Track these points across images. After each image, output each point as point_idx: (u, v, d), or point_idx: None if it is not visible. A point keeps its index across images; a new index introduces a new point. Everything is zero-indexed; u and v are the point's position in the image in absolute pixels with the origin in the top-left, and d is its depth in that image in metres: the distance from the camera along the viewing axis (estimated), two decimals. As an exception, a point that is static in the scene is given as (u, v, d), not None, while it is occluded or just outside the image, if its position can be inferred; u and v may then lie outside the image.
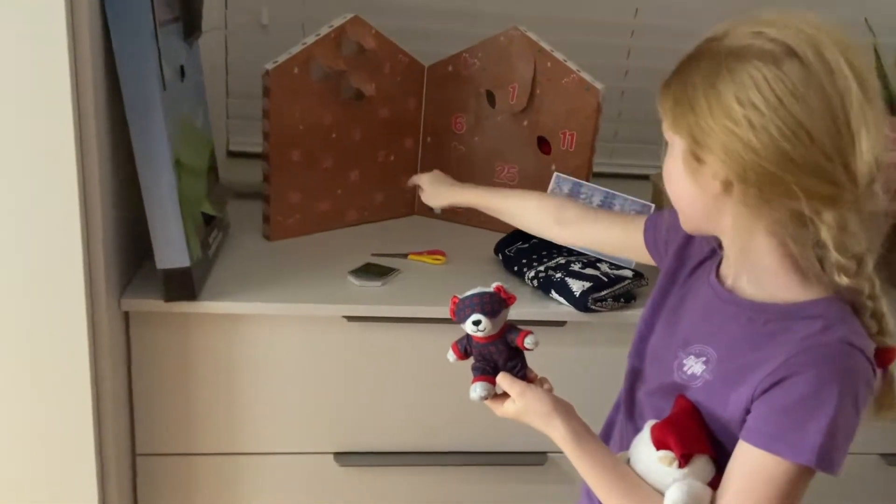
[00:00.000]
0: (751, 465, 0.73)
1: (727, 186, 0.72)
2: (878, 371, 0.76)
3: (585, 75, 1.47)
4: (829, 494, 1.15)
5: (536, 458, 1.42)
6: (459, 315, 0.86)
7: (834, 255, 0.72)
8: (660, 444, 0.77)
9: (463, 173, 1.62)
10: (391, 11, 1.64)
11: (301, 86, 1.40)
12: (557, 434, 0.83)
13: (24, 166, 1.00)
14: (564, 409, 0.85)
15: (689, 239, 0.90)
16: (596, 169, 1.55)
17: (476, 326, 0.84)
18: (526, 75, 1.50)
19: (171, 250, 1.15)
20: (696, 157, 0.73)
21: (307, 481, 1.39)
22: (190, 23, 1.27)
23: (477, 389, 0.86)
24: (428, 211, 1.66)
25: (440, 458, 1.41)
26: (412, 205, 1.68)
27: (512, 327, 0.88)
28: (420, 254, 1.46)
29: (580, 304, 1.27)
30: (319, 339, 1.29)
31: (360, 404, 1.36)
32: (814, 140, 0.67)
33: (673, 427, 0.77)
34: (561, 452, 0.85)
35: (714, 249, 0.86)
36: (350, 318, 1.28)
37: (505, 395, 0.87)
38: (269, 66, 1.36)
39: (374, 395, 1.35)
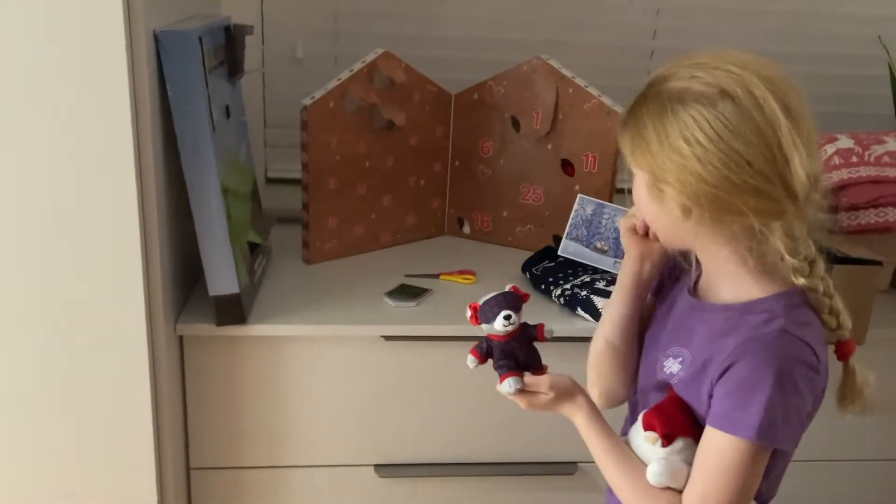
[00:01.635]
0: (708, 445, 0.83)
1: (686, 210, 0.82)
2: (843, 364, 0.90)
3: (606, 100, 1.54)
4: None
5: (567, 467, 1.48)
6: (486, 316, 0.93)
7: (788, 259, 0.82)
8: (647, 427, 0.88)
9: (489, 195, 1.70)
10: (419, 42, 1.73)
11: (336, 118, 1.49)
12: (581, 412, 0.94)
13: (90, 199, 1.10)
14: (581, 389, 0.96)
15: (672, 257, 1.00)
16: (619, 185, 1.62)
17: (507, 321, 0.92)
18: (549, 101, 1.58)
19: (222, 278, 1.24)
20: (657, 187, 0.83)
21: (349, 492, 1.47)
22: (233, 65, 1.36)
23: (511, 384, 0.92)
24: (458, 231, 1.74)
25: (474, 468, 1.48)
26: (442, 225, 1.76)
27: (525, 324, 0.96)
28: (451, 274, 1.54)
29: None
30: (359, 357, 1.38)
31: (398, 418, 1.43)
32: (752, 166, 0.77)
33: (658, 412, 0.88)
34: (591, 462, 0.93)
35: (692, 263, 0.96)
36: (387, 338, 1.35)
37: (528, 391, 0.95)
38: (307, 101, 1.45)
39: (411, 409, 1.43)
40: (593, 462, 0.93)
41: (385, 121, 1.56)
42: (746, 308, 0.85)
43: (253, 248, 1.40)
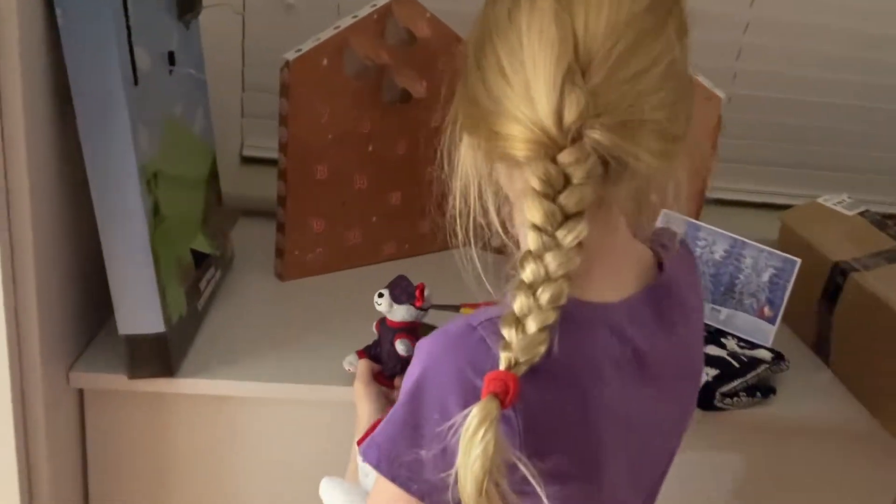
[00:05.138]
0: None
1: None
2: None
3: (704, 80, 1.11)
4: None
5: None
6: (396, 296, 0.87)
7: None
8: None
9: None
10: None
11: (331, 82, 1.07)
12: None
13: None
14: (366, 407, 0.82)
15: None
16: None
17: (377, 298, 0.86)
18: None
19: (139, 311, 0.83)
20: None
21: None
22: (184, -5, 0.94)
23: (347, 357, 0.91)
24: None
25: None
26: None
27: (408, 330, 0.86)
28: (473, 306, 1.12)
29: (704, 399, 0.92)
30: (339, 426, 0.96)
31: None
32: None
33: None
34: None
35: None
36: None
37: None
38: (290, 55, 1.03)
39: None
40: None
41: (398, 90, 1.14)
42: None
43: (201, 258, 0.98)
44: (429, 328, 1.04)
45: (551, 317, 0.52)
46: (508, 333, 0.52)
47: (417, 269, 1.23)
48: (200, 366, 0.90)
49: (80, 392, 0.90)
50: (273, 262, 1.15)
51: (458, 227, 0.62)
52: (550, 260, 0.51)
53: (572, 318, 0.54)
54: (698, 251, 1.05)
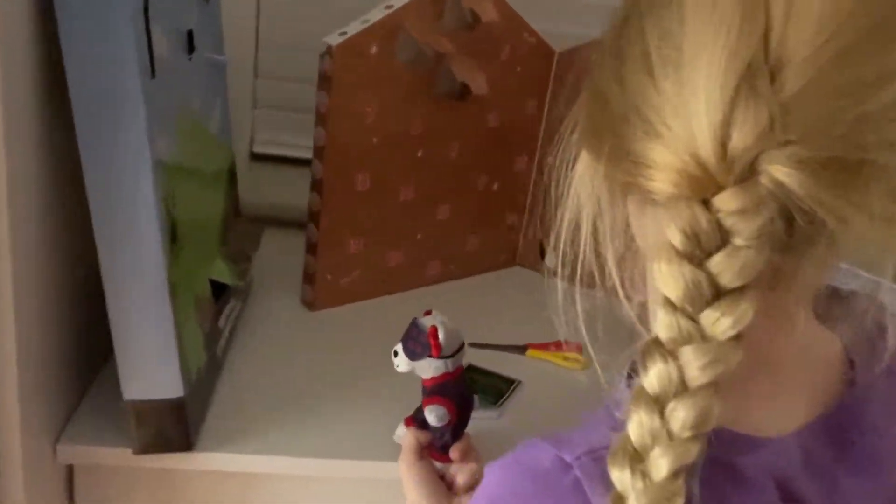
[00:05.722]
0: None
1: None
2: None
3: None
4: None
5: None
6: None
7: None
8: None
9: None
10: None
11: (380, 74, 0.87)
12: None
13: None
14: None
15: None
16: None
17: (394, 358, 0.67)
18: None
19: (152, 371, 0.63)
20: None
21: None
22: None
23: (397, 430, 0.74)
24: (535, 261, 1.14)
25: None
26: (514, 251, 1.16)
27: (438, 390, 0.65)
28: (544, 347, 0.94)
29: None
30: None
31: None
32: None
33: None
34: None
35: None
36: (448, 475, 0.76)
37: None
38: (333, 39, 0.83)
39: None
40: None
41: (456, 84, 0.95)
42: None
43: (218, 288, 0.79)
44: (474, 377, 0.85)
45: (690, 453, 0.33)
46: (621, 478, 0.33)
47: (467, 297, 1.05)
48: (222, 435, 0.71)
49: (70, 468, 0.71)
50: (300, 288, 0.96)
51: (558, 261, 0.43)
52: (691, 358, 0.32)
53: (720, 461, 0.36)
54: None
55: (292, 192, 1.04)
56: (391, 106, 0.90)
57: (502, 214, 1.11)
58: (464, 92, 0.96)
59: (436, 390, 0.66)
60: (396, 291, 1.03)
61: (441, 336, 0.65)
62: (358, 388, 0.81)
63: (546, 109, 1.09)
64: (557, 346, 0.95)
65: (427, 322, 0.66)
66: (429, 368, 0.66)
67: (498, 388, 0.84)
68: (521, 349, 0.94)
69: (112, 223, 0.59)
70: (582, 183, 0.41)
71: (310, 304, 0.95)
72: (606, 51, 0.39)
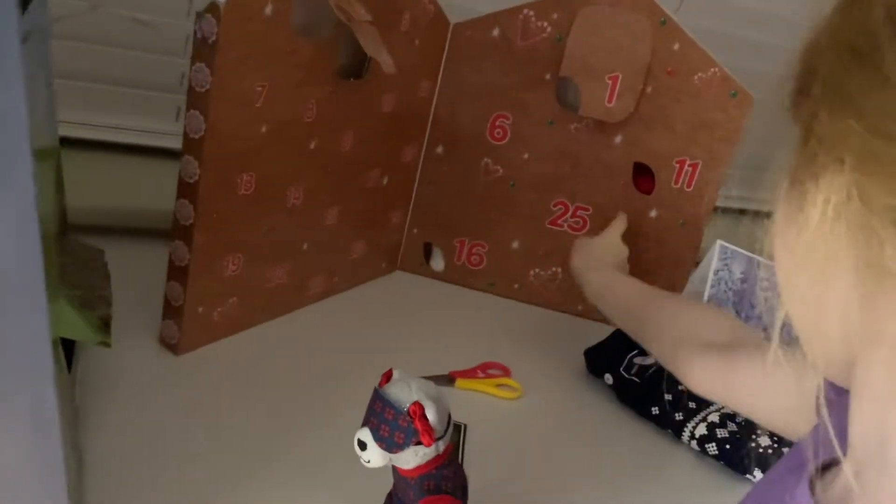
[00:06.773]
0: None
1: None
2: None
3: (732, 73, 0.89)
4: None
5: None
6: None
7: None
8: None
9: (492, 210, 0.98)
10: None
11: (275, 45, 0.66)
12: None
13: None
14: None
15: None
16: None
17: (359, 450, 0.50)
18: (638, 59, 0.88)
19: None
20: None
21: None
22: None
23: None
24: (418, 266, 1.00)
25: None
26: (396, 254, 1.00)
27: (433, 487, 0.50)
28: (471, 374, 0.80)
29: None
30: None
31: None
32: None
33: None
34: None
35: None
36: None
37: None
38: (219, -4, 0.61)
39: None
40: None
41: (359, 62, 0.76)
42: None
43: (69, 346, 0.55)
44: (457, 440, 0.70)
45: None
46: None
47: (358, 312, 0.88)
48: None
49: None
50: (158, 327, 0.72)
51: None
52: None
53: None
54: (759, 293, 0.83)
55: (113, 188, 0.80)
56: (283, 85, 0.69)
57: (387, 213, 0.94)
58: (360, 69, 0.77)
59: (431, 487, 0.50)
60: (277, 316, 0.82)
61: (431, 416, 0.48)
62: (263, 455, 0.62)
63: (437, 91, 0.93)
64: (483, 369, 0.81)
65: (402, 396, 0.49)
66: (414, 457, 0.49)
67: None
68: (449, 380, 0.79)
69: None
70: (831, 254, 0.29)
71: (174, 347, 0.72)
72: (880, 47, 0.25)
